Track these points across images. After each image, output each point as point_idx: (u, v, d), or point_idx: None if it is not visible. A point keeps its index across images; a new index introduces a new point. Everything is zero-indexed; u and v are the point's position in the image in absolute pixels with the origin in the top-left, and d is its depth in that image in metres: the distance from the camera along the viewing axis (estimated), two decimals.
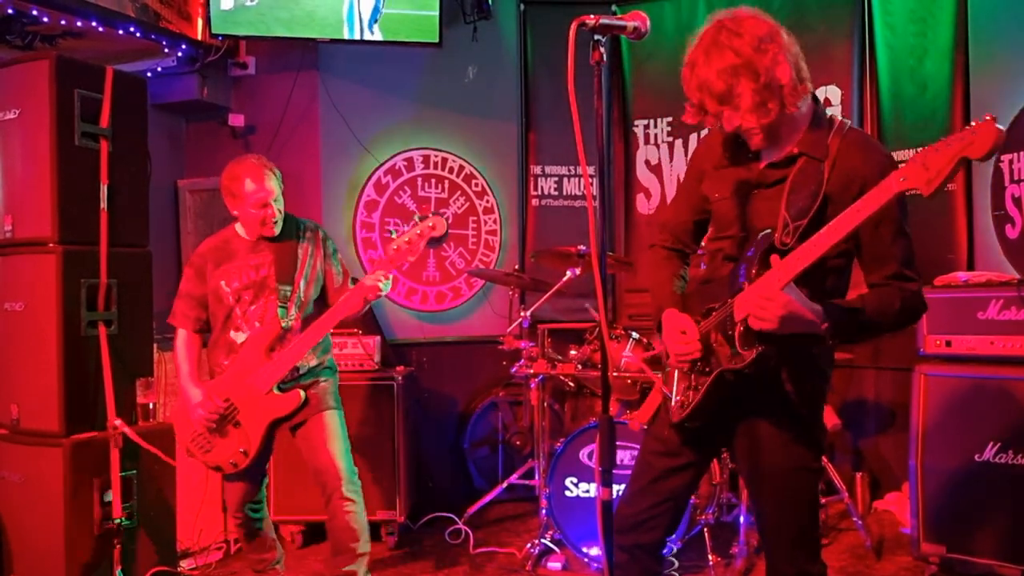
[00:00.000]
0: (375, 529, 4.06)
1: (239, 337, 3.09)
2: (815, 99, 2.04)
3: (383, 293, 2.98)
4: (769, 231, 1.96)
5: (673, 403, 2.14)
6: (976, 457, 3.23)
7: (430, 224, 2.95)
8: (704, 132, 4.98)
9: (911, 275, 1.97)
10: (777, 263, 1.87)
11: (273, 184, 3.06)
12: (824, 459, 3.65)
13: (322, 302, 3.22)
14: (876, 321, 1.96)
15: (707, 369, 2.04)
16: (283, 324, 3.05)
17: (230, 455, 3.01)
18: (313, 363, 3.10)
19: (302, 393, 3.01)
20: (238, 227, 3.18)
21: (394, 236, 2.97)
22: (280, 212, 3.10)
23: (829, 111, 2.28)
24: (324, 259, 3.21)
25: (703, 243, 2.36)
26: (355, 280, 3.18)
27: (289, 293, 3.09)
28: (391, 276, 3.01)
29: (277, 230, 3.11)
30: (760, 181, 2.05)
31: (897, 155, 3.66)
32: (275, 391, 3.00)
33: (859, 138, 2.01)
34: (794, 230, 1.93)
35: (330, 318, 3.01)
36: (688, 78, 1.98)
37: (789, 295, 1.83)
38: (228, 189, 3.07)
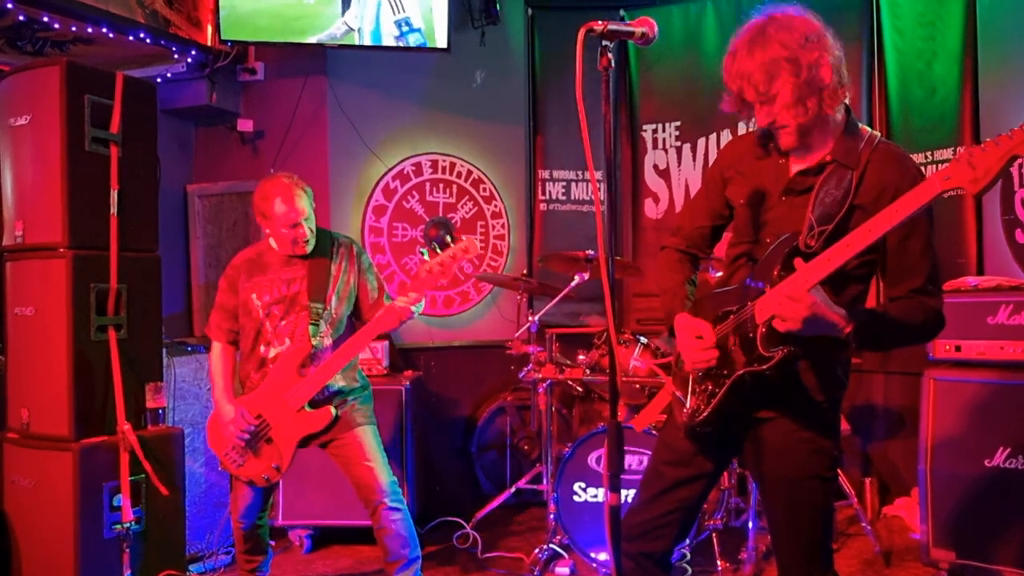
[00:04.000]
0: None
1: (270, 352, 3.09)
2: (847, 109, 2.02)
3: (416, 315, 2.98)
4: (793, 233, 1.94)
5: (687, 407, 2.12)
6: (986, 462, 3.21)
7: (463, 246, 2.91)
8: (712, 136, 4.99)
9: (935, 291, 1.95)
10: (802, 265, 1.85)
11: (304, 204, 3.04)
12: None
13: (356, 317, 3.22)
14: (898, 331, 1.94)
15: (725, 372, 2.02)
16: (314, 342, 3.05)
17: (263, 470, 3.03)
18: (341, 383, 3.09)
19: (333, 410, 3.02)
20: (272, 240, 3.16)
21: (426, 257, 2.93)
22: (312, 231, 3.09)
23: None
24: (358, 275, 3.20)
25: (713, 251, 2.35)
26: (389, 296, 3.17)
27: (321, 310, 3.07)
28: (424, 299, 2.99)
29: (309, 248, 3.10)
30: (790, 188, 2.02)
31: None
32: (306, 408, 3.01)
33: (894, 150, 2.00)
34: (819, 234, 1.91)
35: (362, 338, 3.00)
36: (729, 66, 1.96)
37: (815, 296, 1.80)
38: (259, 209, 3.05)
